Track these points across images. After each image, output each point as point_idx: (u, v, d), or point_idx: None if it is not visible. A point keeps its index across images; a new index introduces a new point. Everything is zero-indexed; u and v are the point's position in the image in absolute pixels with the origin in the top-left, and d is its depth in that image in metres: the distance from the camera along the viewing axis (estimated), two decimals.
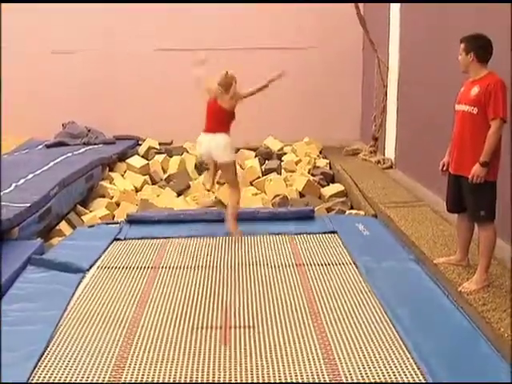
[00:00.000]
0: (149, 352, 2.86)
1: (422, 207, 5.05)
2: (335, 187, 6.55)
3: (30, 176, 5.62)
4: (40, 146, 7.85)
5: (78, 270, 3.89)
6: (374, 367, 2.69)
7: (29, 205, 4.59)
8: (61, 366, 2.73)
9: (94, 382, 2.61)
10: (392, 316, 3.17)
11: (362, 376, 2.62)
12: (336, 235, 4.66)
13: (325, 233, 4.72)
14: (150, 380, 2.62)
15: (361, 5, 7.49)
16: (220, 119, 4.78)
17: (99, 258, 4.21)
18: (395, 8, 6.79)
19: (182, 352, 2.85)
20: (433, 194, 5.36)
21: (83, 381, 2.62)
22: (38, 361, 2.75)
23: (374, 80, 7.47)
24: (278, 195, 5.99)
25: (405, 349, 2.84)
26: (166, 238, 4.65)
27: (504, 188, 3.90)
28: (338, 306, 3.37)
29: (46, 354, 2.83)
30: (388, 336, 2.98)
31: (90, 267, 4.00)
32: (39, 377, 2.63)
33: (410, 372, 2.64)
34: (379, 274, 3.78)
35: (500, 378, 2.57)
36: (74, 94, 8.84)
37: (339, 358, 2.77)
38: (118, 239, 4.64)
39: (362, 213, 5.44)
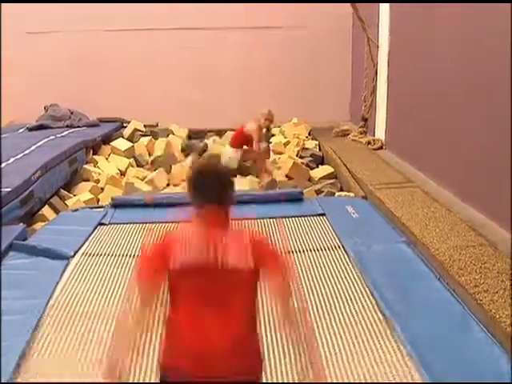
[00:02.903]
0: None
1: (412, 188, 4.98)
2: (324, 169, 6.48)
3: (11, 160, 5.48)
4: (21, 130, 7.68)
5: (62, 257, 3.79)
6: (362, 354, 2.64)
7: (10, 189, 4.47)
8: (46, 357, 2.65)
9: (80, 372, 2.54)
10: (382, 300, 3.11)
11: (349, 363, 2.58)
12: (325, 218, 4.58)
13: (313, 215, 4.64)
14: (137, 369, 2.54)
15: None
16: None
17: (83, 243, 4.09)
18: None
19: None
20: (423, 175, 5.31)
21: (69, 372, 2.54)
22: (23, 351, 2.66)
23: (364, 59, 7.37)
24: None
25: (394, 333, 2.79)
26: (152, 222, 4.54)
27: (503, 170, 3.86)
28: (327, 292, 3.30)
29: (30, 344, 2.75)
30: (378, 320, 2.93)
31: (75, 254, 3.89)
32: (23, 369, 2.55)
33: (399, 357, 2.60)
34: (369, 256, 3.72)
35: (493, 362, 2.53)
36: (56, 75, 8.63)
37: (325, 345, 2.72)
38: (103, 224, 4.53)
39: (351, 194, 5.37)
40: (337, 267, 3.66)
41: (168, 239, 2.06)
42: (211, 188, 2.00)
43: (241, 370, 1.92)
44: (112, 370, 1.91)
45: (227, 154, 6.13)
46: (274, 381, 2.55)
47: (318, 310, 3.11)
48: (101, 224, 4.52)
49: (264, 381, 2.31)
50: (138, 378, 2.53)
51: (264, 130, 6.24)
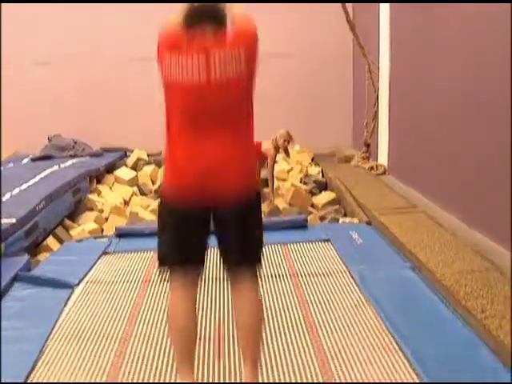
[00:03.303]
0: (141, 368, 2.77)
1: (416, 213, 4.98)
2: (328, 195, 6.49)
3: (16, 191, 5.51)
4: (26, 160, 7.74)
5: (66, 286, 3.78)
6: (373, 377, 2.61)
7: (15, 220, 4.49)
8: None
9: None
10: (389, 324, 3.09)
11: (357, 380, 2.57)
12: (329, 243, 4.58)
13: (318, 241, 4.64)
14: None
15: (350, 9, 7.47)
16: None
17: (88, 272, 4.10)
18: (385, 12, 6.77)
19: (175, 366, 2.76)
20: (427, 200, 5.31)
21: None
22: (25, 381, 2.64)
23: (365, 85, 7.44)
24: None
25: (403, 357, 2.76)
26: (156, 251, 4.52)
27: (503, 192, 3.87)
28: (333, 315, 3.28)
29: (33, 373, 2.72)
30: (386, 345, 2.91)
31: (79, 282, 3.89)
32: None
33: (408, 380, 2.57)
34: (375, 282, 3.70)
35: None
36: (59, 106, 8.75)
37: (336, 369, 2.69)
38: (107, 253, 4.54)
39: (355, 220, 5.37)
40: (342, 291, 3.64)
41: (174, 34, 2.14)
42: (204, 12, 2.11)
43: (234, 185, 2.09)
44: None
45: None
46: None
47: (325, 333, 3.09)
48: (105, 253, 4.53)
49: None
50: None
51: (282, 151, 6.37)
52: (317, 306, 3.44)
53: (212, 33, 2.11)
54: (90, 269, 4.17)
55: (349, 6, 7.42)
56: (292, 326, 3.17)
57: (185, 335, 2.29)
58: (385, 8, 6.75)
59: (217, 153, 2.07)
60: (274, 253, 4.44)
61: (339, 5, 7.03)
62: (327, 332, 3.09)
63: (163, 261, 2.35)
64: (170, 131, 2.20)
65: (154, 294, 3.70)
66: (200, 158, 2.07)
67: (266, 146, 6.18)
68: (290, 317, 3.30)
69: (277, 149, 6.28)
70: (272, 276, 3.94)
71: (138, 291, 3.76)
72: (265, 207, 6.07)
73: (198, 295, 2.42)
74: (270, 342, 3.00)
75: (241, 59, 2.10)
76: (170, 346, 2.82)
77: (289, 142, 6.32)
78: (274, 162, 6.36)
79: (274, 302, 3.50)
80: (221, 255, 2.31)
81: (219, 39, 2.11)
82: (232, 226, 2.15)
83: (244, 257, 2.25)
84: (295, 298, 3.56)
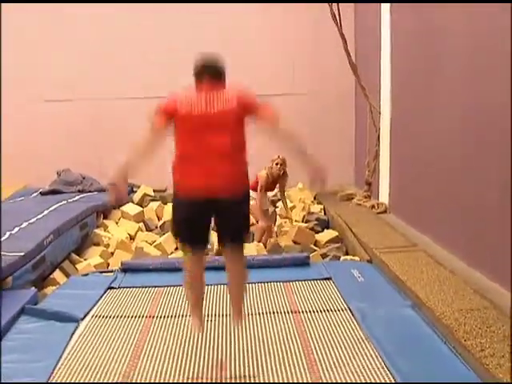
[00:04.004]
0: None
1: (416, 252, 5.04)
2: (329, 233, 6.56)
3: (25, 224, 5.60)
4: (35, 194, 7.87)
5: (71, 320, 3.84)
6: None
7: (23, 254, 4.57)
8: None
9: None
10: (389, 363, 3.13)
11: None
12: (331, 281, 4.64)
13: (319, 279, 4.70)
14: None
15: (352, 52, 7.67)
16: None
17: (93, 307, 4.16)
18: (386, 54, 6.96)
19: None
20: (427, 239, 5.38)
21: None
22: None
23: (367, 125, 7.59)
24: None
25: None
26: (161, 286, 4.61)
27: (503, 233, 3.94)
28: (334, 353, 3.33)
29: None
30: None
31: (84, 316, 3.95)
32: None
33: None
34: (375, 320, 3.75)
35: None
36: (68, 141, 8.92)
37: None
38: (112, 287, 4.60)
39: (356, 258, 5.43)
40: (343, 329, 3.69)
41: (174, 96, 2.98)
42: (208, 67, 3.01)
43: (231, 189, 2.90)
44: (120, 172, 3.05)
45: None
46: None
47: (325, 369, 3.13)
48: (110, 288, 4.59)
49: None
50: None
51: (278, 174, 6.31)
52: (318, 343, 3.48)
53: (214, 83, 2.99)
54: (95, 303, 4.23)
55: (351, 48, 7.64)
56: (293, 362, 3.22)
57: (195, 290, 3.21)
58: (386, 51, 6.94)
59: (215, 161, 2.86)
60: (276, 290, 4.50)
61: (342, 46, 7.23)
62: (327, 369, 3.13)
63: (178, 237, 3.18)
64: (178, 147, 3.01)
65: (158, 330, 3.76)
66: (202, 164, 2.88)
67: (260, 174, 6.24)
68: (291, 353, 3.34)
69: (268, 177, 6.26)
70: (274, 313, 4.00)
71: (141, 327, 3.82)
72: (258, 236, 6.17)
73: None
74: (270, 376, 3.05)
75: (233, 101, 2.94)
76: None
77: (282, 166, 6.29)
78: (262, 189, 6.23)
79: (275, 339, 3.55)
80: (217, 235, 3.16)
81: (219, 89, 3.00)
82: (227, 215, 2.97)
83: (235, 237, 3.11)
84: (296, 334, 3.61)
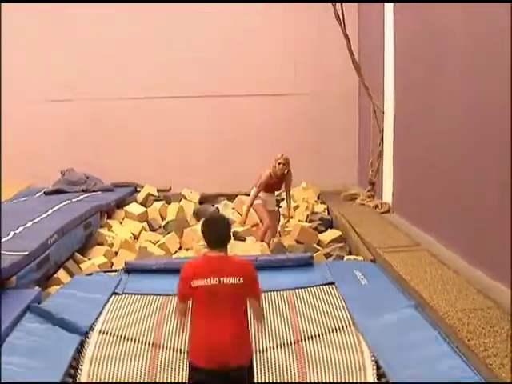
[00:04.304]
0: None
1: (420, 251, 5.04)
2: (333, 233, 6.57)
3: (29, 224, 5.62)
4: (39, 194, 7.90)
5: (76, 331, 3.76)
6: None
7: (27, 253, 4.59)
8: None
9: None
10: (391, 366, 3.15)
11: None
12: (334, 287, 4.56)
13: (323, 285, 4.63)
14: None
15: (356, 52, 7.67)
16: None
17: (98, 317, 4.05)
18: (389, 54, 6.96)
19: None
20: (431, 238, 5.37)
21: None
22: None
23: (370, 125, 7.59)
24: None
25: None
26: (165, 295, 4.42)
27: (503, 231, 3.94)
28: (334, 361, 3.38)
29: None
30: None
31: (90, 330, 3.84)
32: None
33: None
34: (378, 321, 3.75)
35: None
36: (73, 141, 8.95)
37: None
38: (117, 293, 4.51)
39: (360, 258, 5.43)
40: (345, 351, 3.62)
41: (190, 268, 3.14)
42: (217, 236, 3.12)
43: (239, 357, 3.02)
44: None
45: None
46: None
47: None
48: (115, 293, 4.50)
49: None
50: None
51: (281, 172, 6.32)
52: (318, 352, 3.50)
53: (222, 255, 3.11)
54: (101, 313, 4.13)
55: (355, 48, 7.65)
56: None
57: None
58: (389, 51, 6.95)
59: (224, 331, 2.99)
60: (278, 301, 4.38)
61: (345, 46, 7.23)
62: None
63: None
64: (194, 317, 3.10)
65: (166, 337, 3.75)
66: (213, 335, 3.01)
67: (263, 173, 6.28)
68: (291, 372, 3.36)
69: (270, 175, 6.28)
70: (277, 345, 3.80)
71: (147, 335, 3.80)
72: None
73: None
74: None
75: (239, 279, 3.05)
76: None
77: (285, 165, 6.30)
78: (260, 187, 6.28)
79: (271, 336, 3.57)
80: None
81: (227, 258, 3.16)
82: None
83: None
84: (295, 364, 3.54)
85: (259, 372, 3.45)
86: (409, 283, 4.25)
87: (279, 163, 6.27)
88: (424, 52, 5.68)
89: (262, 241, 6.15)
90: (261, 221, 6.46)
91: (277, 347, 3.75)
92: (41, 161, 8.74)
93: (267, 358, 3.63)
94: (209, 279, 2.98)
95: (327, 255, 5.71)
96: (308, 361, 3.53)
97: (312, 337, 3.83)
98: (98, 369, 3.47)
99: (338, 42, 7.45)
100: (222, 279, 3.00)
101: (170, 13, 8.86)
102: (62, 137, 8.98)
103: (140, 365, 3.55)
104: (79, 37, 8.92)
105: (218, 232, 3.13)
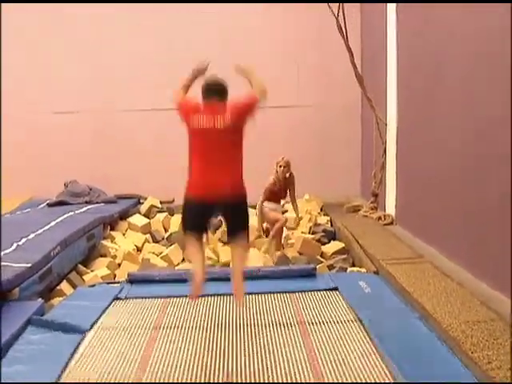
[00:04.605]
0: None
1: (423, 263, 5.03)
2: (336, 244, 6.56)
3: (32, 235, 5.64)
4: (42, 205, 7.92)
5: (78, 331, 3.84)
6: None
7: (30, 265, 4.60)
8: None
9: None
10: (398, 375, 3.12)
11: None
12: (337, 292, 4.63)
13: (326, 290, 4.69)
14: None
15: (358, 64, 7.71)
16: None
17: (99, 318, 4.17)
18: (392, 65, 6.99)
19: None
20: (434, 250, 5.36)
21: None
22: None
23: (373, 137, 7.60)
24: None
25: None
26: (167, 297, 4.61)
27: (503, 243, 3.93)
28: (341, 366, 3.31)
29: None
30: None
31: (91, 328, 3.95)
32: None
33: None
34: (383, 331, 3.72)
35: None
36: (76, 153, 9.00)
37: None
38: (119, 298, 4.60)
39: (363, 270, 5.42)
40: (350, 341, 3.67)
41: (192, 102, 3.93)
42: (214, 90, 3.81)
43: (234, 194, 3.73)
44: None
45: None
46: None
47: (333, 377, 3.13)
48: (117, 299, 4.59)
49: None
50: None
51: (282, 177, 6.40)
52: (324, 354, 3.47)
53: (217, 103, 3.78)
54: (101, 314, 4.23)
55: (357, 60, 7.68)
56: (299, 374, 3.21)
57: (196, 261, 3.91)
58: (392, 64, 6.98)
59: (219, 171, 3.65)
60: (282, 301, 4.49)
61: (347, 58, 7.27)
62: (334, 379, 3.12)
63: (184, 229, 3.97)
64: (191, 158, 3.77)
65: (164, 341, 3.75)
66: (208, 174, 3.69)
67: (268, 181, 6.40)
68: (297, 365, 3.33)
69: (274, 182, 6.36)
70: (280, 324, 3.99)
71: (148, 338, 3.81)
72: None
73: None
74: None
75: (232, 120, 3.71)
76: None
77: (286, 168, 6.37)
78: (266, 198, 6.40)
79: (282, 350, 3.54)
80: (226, 229, 4.13)
81: (222, 107, 3.77)
82: (228, 215, 3.92)
83: (236, 230, 3.91)
84: (304, 347, 3.59)
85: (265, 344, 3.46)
86: (412, 295, 4.23)
87: (280, 166, 6.34)
88: (428, 64, 5.70)
89: (274, 237, 6.27)
90: (272, 224, 6.43)
91: (281, 324, 4.02)
92: (44, 172, 8.78)
93: (273, 332, 3.83)
94: (204, 118, 3.69)
95: (330, 267, 5.71)
96: (314, 342, 3.56)
97: (315, 323, 4.01)
98: (89, 356, 3.51)
99: (340, 54, 7.50)
100: (216, 122, 3.66)
101: (178, 26, 8.96)
102: (65, 148, 9.03)
103: (135, 348, 3.64)
104: (81, 48, 9.01)
105: (215, 84, 3.84)
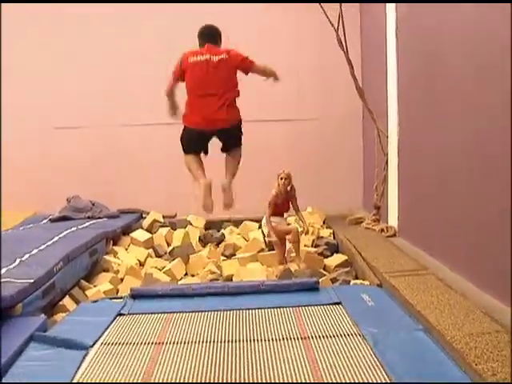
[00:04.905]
0: None
1: (426, 276, 5.02)
2: (339, 257, 6.55)
3: (35, 251, 5.64)
4: (45, 221, 7.93)
5: (81, 347, 3.83)
6: None
7: (33, 280, 4.59)
8: None
9: None
10: None
11: None
12: (341, 306, 4.61)
13: (329, 304, 4.68)
14: None
15: (359, 76, 7.75)
16: None
17: (102, 334, 4.15)
18: (392, 79, 7.02)
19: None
20: (437, 262, 5.35)
21: None
22: None
23: (375, 149, 7.62)
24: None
25: None
26: (170, 312, 4.61)
27: (504, 252, 3.92)
28: (345, 379, 3.29)
29: None
30: None
31: (94, 344, 3.93)
32: None
33: None
34: (386, 344, 3.72)
35: None
36: (78, 168, 9.03)
37: None
38: (122, 314, 4.60)
39: (366, 282, 5.41)
40: (355, 354, 3.65)
41: (186, 53, 4.90)
42: (207, 33, 4.92)
43: (227, 119, 4.79)
44: (171, 103, 5.26)
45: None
46: None
47: None
48: (120, 314, 4.59)
49: None
50: None
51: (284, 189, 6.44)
52: (328, 369, 3.45)
53: (212, 43, 4.92)
54: (105, 330, 4.22)
55: (358, 73, 7.71)
56: None
57: (195, 165, 5.08)
58: (392, 75, 7.01)
59: (214, 103, 4.62)
60: (286, 317, 4.45)
61: (348, 70, 7.30)
62: None
63: (185, 150, 5.10)
64: (188, 92, 4.81)
65: (167, 356, 3.74)
66: (204, 103, 4.68)
67: (271, 194, 6.43)
68: (301, 379, 3.31)
69: (277, 194, 6.37)
70: (283, 339, 3.96)
71: (151, 353, 3.79)
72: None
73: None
74: None
75: (225, 56, 4.80)
76: None
77: (287, 180, 6.41)
78: (271, 213, 6.42)
79: (284, 365, 3.52)
80: (222, 147, 5.16)
81: (216, 48, 4.91)
82: (224, 137, 4.98)
83: (232, 147, 5.18)
84: (307, 361, 3.56)
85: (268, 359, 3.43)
86: (415, 307, 4.22)
87: (281, 178, 6.38)
88: (428, 76, 5.72)
89: (292, 242, 6.46)
90: (283, 238, 6.47)
91: (284, 339, 3.98)
92: (46, 188, 8.80)
93: (276, 348, 3.60)
94: (201, 56, 4.65)
95: (333, 280, 5.69)
96: (317, 357, 3.43)
97: (318, 337, 3.98)
98: (92, 372, 3.51)
99: (340, 67, 7.53)
100: (211, 57, 4.65)
101: (172, 13, 8.95)
102: (67, 164, 9.06)
103: (139, 364, 3.63)
104: (87, 64, 9.07)
105: (208, 27, 4.85)
